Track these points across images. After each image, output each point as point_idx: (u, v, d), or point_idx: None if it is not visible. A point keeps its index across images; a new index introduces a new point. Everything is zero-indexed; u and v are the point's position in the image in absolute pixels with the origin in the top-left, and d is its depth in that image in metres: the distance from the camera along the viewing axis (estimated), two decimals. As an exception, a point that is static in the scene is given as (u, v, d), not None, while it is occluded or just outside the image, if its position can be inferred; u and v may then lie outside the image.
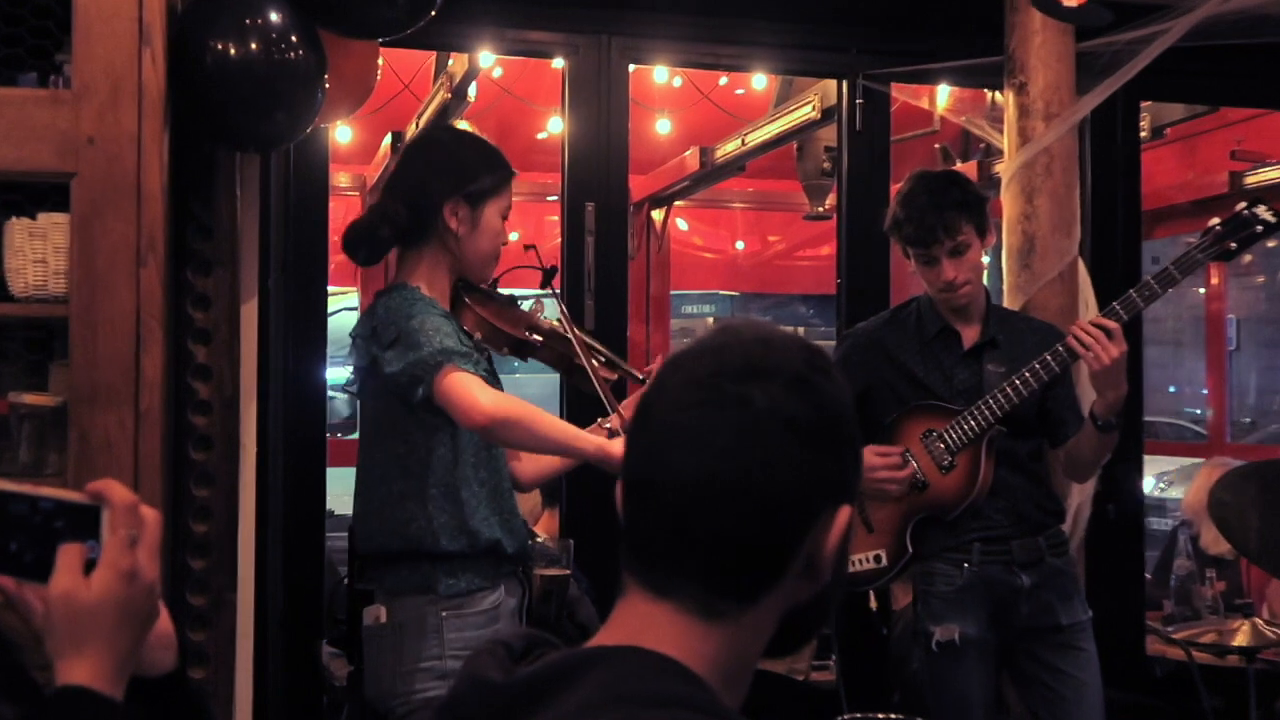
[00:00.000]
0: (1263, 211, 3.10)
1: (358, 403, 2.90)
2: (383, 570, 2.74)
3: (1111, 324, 3.02)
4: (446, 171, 2.77)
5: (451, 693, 1.14)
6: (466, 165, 2.78)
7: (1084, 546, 3.77)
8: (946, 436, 3.17)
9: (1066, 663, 3.18)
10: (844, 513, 1.12)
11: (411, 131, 5.28)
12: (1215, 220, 3.13)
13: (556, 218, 4.30)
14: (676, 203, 7.01)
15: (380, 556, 2.74)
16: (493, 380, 2.71)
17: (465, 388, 2.55)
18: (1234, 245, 3.10)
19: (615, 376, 2.95)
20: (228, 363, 2.77)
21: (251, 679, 3.11)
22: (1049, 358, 3.09)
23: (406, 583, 2.68)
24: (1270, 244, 3.26)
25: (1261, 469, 4.44)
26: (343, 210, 5.40)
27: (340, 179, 6.09)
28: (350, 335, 2.79)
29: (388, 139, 5.42)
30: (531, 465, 2.98)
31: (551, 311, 2.98)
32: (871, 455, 3.17)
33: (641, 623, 1.09)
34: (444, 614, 2.64)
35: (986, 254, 3.39)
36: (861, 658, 4.05)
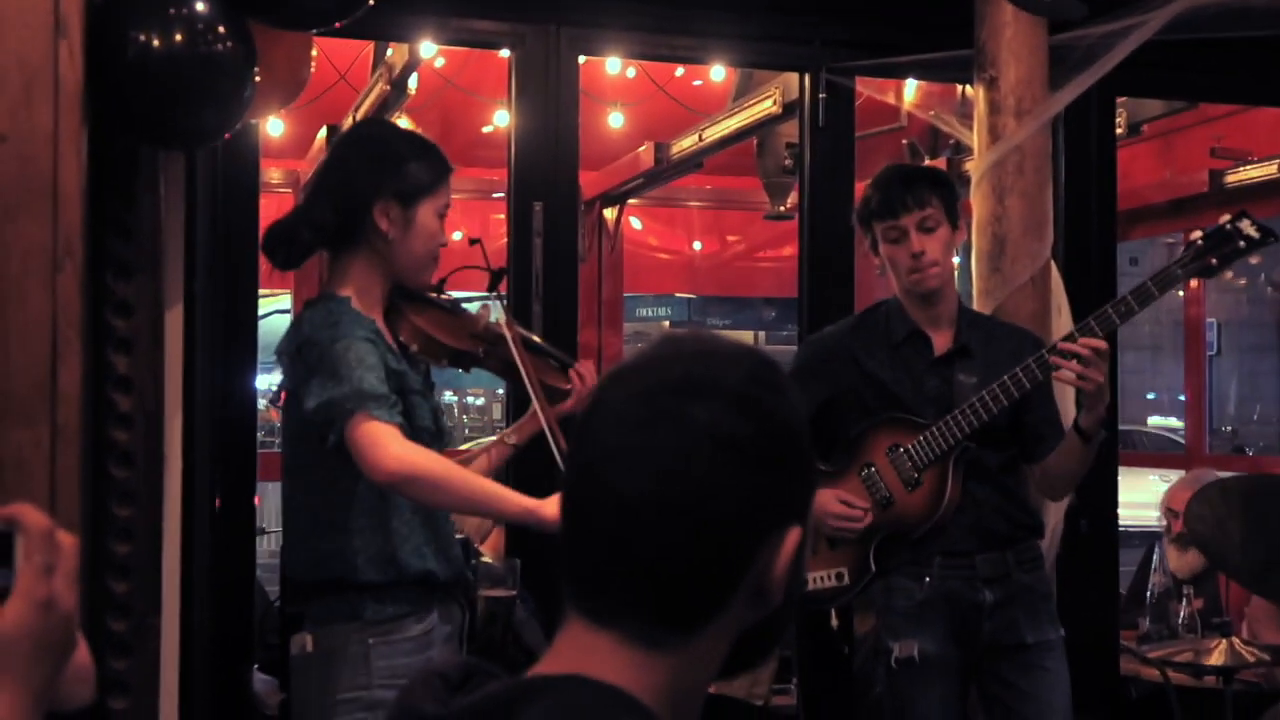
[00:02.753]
0: (1247, 226, 3.10)
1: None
2: (310, 598, 2.73)
3: (1101, 344, 3.04)
4: (376, 169, 2.71)
5: (384, 727, 1.14)
6: (398, 161, 2.72)
7: (1056, 562, 3.80)
8: (913, 452, 3.19)
9: (1030, 683, 3.21)
10: (794, 534, 1.12)
11: (348, 125, 5.26)
12: (1197, 234, 3.15)
13: (502, 217, 4.28)
14: (630, 201, 7.01)
15: (307, 585, 2.74)
16: (419, 408, 2.70)
17: (374, 440, 2.52)
18: (1215, 261, 3.11)
19: (570, 386, 2.92)
20: (151, 373, 2.74)
21: (177, 709, 3.09)
22: (1021, 373, 3.11)
23: (333, 611, 2.68)
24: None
25: (1243, 482, 4.51)
26: (274, 208, 5.36)
27: (272, 175, 6.05)
28: (275, 351, 2.76)
29: (323, 132, 5.40)
30: None
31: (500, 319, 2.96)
32: (834, 501, 3.19)
33: (584, 652, 1.10)
34: (371, 641, 2.63)
35: (957, 254, 3.43)
36: (823, 680, 4.07)
